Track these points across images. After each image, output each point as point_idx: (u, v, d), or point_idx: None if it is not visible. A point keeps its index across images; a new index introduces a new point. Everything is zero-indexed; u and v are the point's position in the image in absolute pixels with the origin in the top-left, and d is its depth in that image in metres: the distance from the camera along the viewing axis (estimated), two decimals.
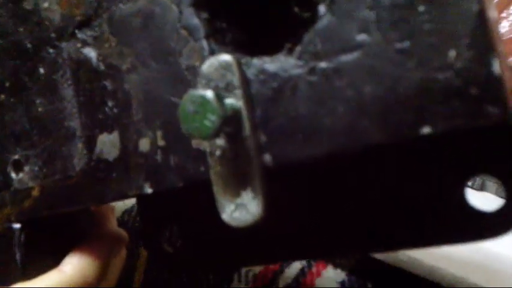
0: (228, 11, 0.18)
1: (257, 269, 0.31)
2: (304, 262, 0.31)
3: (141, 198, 0.24)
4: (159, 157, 0.19)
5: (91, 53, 0.20)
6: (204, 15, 0.18)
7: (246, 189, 0.17)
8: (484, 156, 0.17)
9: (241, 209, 0.17)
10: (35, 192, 0.22)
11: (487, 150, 0.16)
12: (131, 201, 0.37)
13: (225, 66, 0.17)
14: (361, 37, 0.15)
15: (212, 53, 0.18)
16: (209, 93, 0.15)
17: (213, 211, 0.17)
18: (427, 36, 0.14)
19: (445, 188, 0.17)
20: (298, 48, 0.16)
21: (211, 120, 0.15)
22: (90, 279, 0.22)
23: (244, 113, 0.16)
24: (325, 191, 0.20)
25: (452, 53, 0.14)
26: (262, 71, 0.17)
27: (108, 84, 0.20)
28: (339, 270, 0.31)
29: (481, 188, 0.53)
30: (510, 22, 0.86)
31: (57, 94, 0.22)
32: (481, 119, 0.13)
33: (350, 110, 0.15)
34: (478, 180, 0.53)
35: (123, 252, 0.26)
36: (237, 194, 0.17)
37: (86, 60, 0.21)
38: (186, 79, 0.18)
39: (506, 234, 0.16)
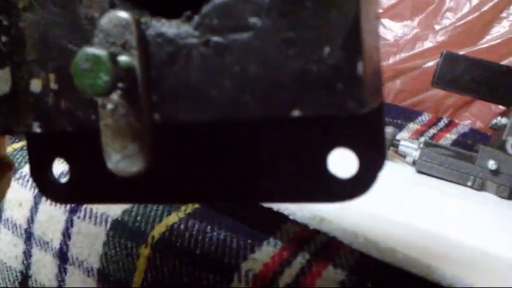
0: None
1: (257, 269, 0.31)
2: (304, 262, 0.31)
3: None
4: (50, 99, 0.19)
5: None
6: None
7: (133, 143, 0.18)
8: (343, 131, 0.19)
9: (126, 160, 0.18)
10: None
11: (344, 127, 0.19)
12: None
13: (125, 25, 0.17)
14: (253, 20, 0.16)
15: (112, 5, 0.18)
16: (103, 54, 0.16)
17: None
18: (310, 31, 0.16)
19: (308, 156, 0.19)
20: (196, 18, 0.17)
21: (103, 79, 0.16)
22: None
23: (139, 73, 0.17)
24: (206, 145, 0.21)
25: (327, 50, 0.15)
26: (160, 35, 0.17)
27: (2, 18, 0.20)
28: (339, 270, 0.31)
29: (481, 188, 0.53)
30: (510, 22, 0.86)
31: None
32: (342, 111, 0.16)
33: (235, 85, 0.17)
34: (478, 180, 0.53)
35: (9, 177, 0.28)
36: (124, 146, 0.18)
37: None
38: (84, 28, 0.18)
39: (360, 196, 0.19)
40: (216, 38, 0.17)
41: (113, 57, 0.16)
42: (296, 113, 0.16)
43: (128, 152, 0.18)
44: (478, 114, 0.76)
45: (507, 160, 0.53)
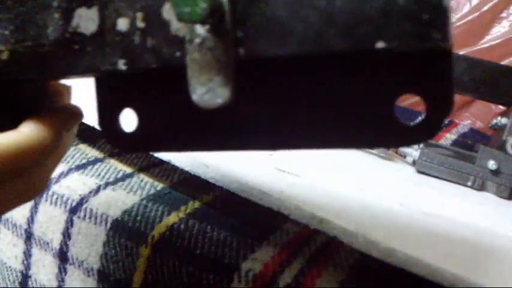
0: None
1: (257, 269, 0.31)
2: (304, 262, 0.31)
3: (100, 79, 0.25)
4: (136, 38, 0.20)
5: None
6: None
7: (218, 75, 0.19)
8: (412, 77, 0.19)
9: (211, 92, 0.19)
10: (4, 56, 0.23)
11: (415, 72, 0.19)
12: (131, 201, 0.37)
13: None
14: None
15: None
16: None
17: (172, 95, 0.20)
18: None
19: (377, 101, 0.20)
20: None
21: (202, 6, 0.17)
22: (44, 143, 0.24)
23: (227, 8, 0.18)
24: (283, 86, 0.22)
25: None
26: None
27: None
28: (339, 270, 0.31)
29: (481, 188, 0.53)
30: (510, 22, 0.86)
31: None
32: (427, 41, 0.16)
33: (320, 19, 0.17)
34: (478, 180, 0.53)
35: (75, 129, 0.28)
36: (209, 79, 0.19)
37: None
38: None
39: (425, 141, 0.19)
40: None
41: None
42: (380, 44, 0.16)
43: (213, 85, 0.19)
44: (478, 114, 0.76)
45: (507, 160, 0.53)
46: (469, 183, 0.54)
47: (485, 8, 0.82)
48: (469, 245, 0.33)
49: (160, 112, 0.24)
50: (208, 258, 0.32)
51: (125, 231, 0.35)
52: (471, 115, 0.76)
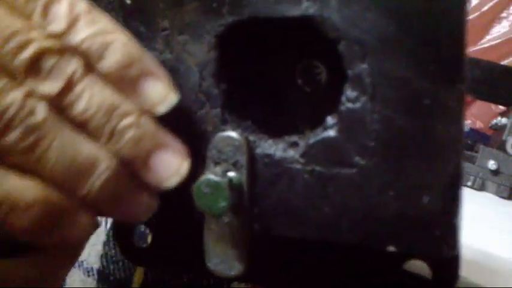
0: (247, 88, 0.20)
1: None
2: None
3: None
4: None
5: None
6: (223, 86, 0.19)
7: (232, 249, 0.19)
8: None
9: (225, 264, 0.19)
10: None
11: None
12: None
13: (237, 146, 0.19)
14: (358, 159, 0.17)
15: (224, 122, 0.19)
16: (224, 182, 0.17)
17: (186, 214, 0.20)
18: (410, 178, 0.17)
19: (383, 266, 0.21)
20: (302, 146, 0.18)
21: (221, 205, 0.17)
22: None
23: (246, 189, 0.19)
24: (298, 252, 0.22)
25: (426, 198, 0.17)
26: (268, 156, 0.19)
27: None
28: None
29: (481, 188, 0.53)
30: (510, 22, 0.86)
31: None
32: (437, 253, 0.17)
33: (333, 213, 0.18)
34: (478, 180, 0.53)
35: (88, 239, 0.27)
36: (224, 251, 0.19)
37: None
38: (197, 141, 0.19)
39: None
40: (320, 168, 0.18)
41: (230, 184, 0.18)
42: (391, 248, 0.17)
43: (228, 257, 0.19)
44: (478, 114, 0.76)
45: (507, 160, 0.53)
46: (469, 183, 0.54)
47: (485, 8, 0.82)
48: (468, 245, 0.33)
49: (174, 232, 0.24)
50: None
51: None
52: (471, 115, 0.76)
